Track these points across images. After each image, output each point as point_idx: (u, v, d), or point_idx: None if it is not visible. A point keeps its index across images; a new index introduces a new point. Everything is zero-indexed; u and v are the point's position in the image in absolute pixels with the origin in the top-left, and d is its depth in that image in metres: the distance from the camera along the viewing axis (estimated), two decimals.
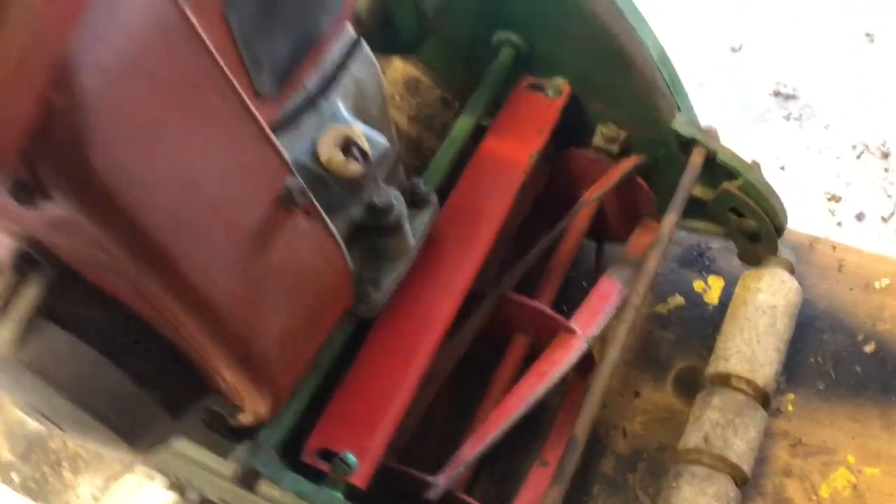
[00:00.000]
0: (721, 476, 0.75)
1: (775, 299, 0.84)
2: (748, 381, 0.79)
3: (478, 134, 0.83)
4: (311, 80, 0.56)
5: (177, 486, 0.91)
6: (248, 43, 0.47)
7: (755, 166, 0.85)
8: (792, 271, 0.87)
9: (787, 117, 2.38)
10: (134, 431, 0.50)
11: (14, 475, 0.94)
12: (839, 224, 2.03)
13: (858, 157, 2.26)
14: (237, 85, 0.44)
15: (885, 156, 2.15)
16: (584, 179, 0.88)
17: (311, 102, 0.55)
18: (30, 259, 0.46)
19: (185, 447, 0.67)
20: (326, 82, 0.55)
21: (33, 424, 0.98)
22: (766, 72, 2.21)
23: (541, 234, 0.86)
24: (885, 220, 2.03)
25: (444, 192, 0.77)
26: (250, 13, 0.46)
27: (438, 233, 0.74)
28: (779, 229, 0.87)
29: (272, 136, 0.47)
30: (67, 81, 0.36)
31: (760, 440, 0.78)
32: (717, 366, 0.82)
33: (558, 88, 0.84)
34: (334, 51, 0.56)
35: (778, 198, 0.85)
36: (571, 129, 0.86)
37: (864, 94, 2.25)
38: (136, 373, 0.49)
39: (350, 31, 0.58)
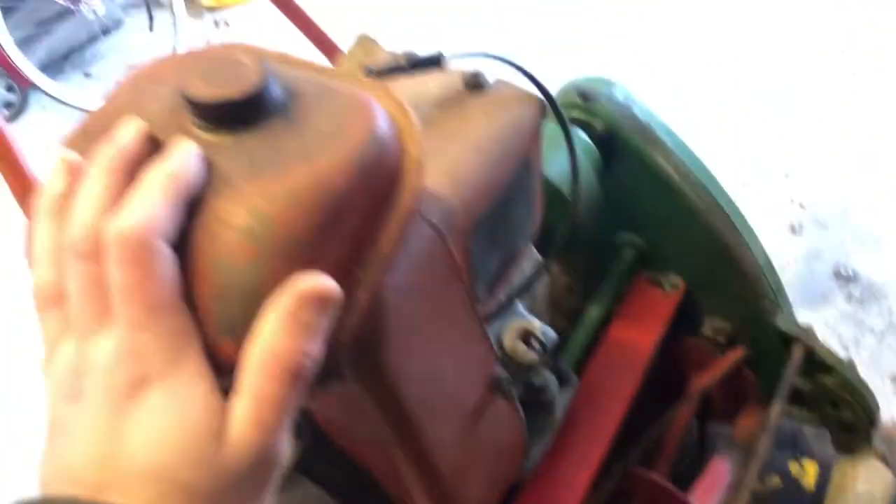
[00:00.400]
0: None
1: (872, 487, 0.91)
2: None
3: (603, 322, 0.94)
4: (502, 290, 0.69)
5: None
6: (475, 263, 0.59)
7: (851, 364, 0.94)
8: (885, 461, 0.95)
9: (849, 298, 2.46)
10: None
11: None
12: None
13: None
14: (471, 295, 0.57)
15: None
16: (692, 364, 0.98)
17: (503, 306, 0.67)
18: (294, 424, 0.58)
19: None
20: (517, 291, 0.68)
21: None
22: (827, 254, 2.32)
23: (647, 412, 0.96)
24: None
25: (577, 372, 0.87)
26: (482, 241, 0.59)
27: (575, 409, 0.84)
28: (873, 423, 0.95)
29: (489, 335, 0.59)
30: (378, 299, 0.49)
31: None
32: None
33: (675, 284, 0.96)
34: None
35: (872, 393, 0.95)
36: (683, 319, 0.97)
37: None
38: None
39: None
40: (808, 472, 1.02)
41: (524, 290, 0.67)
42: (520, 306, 0.72)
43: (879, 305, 2.25)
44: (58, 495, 0.32)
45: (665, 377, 1.00)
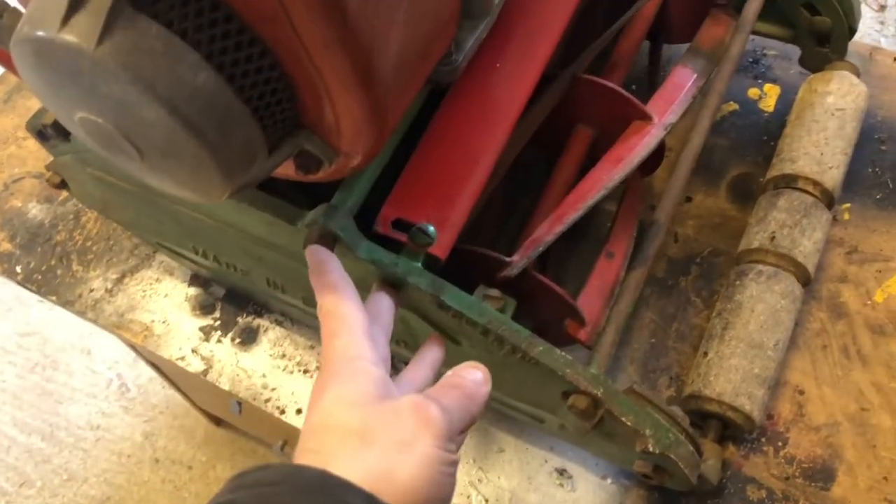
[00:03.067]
0: (787, 275, 0.73)
1: (845, 102, 0.80)
2: (815, 183, 0.76)
3: None
4: None
5: (199, 280, 0.86)
6: None
7: None
8: (858, 76, 0.83)
9: None
10: (232, 155, 0.43)
11: (17, 267, 0.87)
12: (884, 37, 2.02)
13: None
14: None
15: (882, 8, 2.11)
16: None
17: None
18: None
19: (242, 217, 0.61)
20: None
21: (35, 214, 0.90)
22: None
23: (599, 23, 0.80)
24: None
25: None
26: None
27: None
28: (852, 29, 0.82)
29: None
30: None
31: (825, 243, 0.76)
32: (781, 168, 0.79)
33: None
34: None
35: None
36: None
37: None
38: (238, 85, 0.42)
39: None
40: (769, 96, 0.90)
41: None
42: None
43: None
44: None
45: None
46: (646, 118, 0.71)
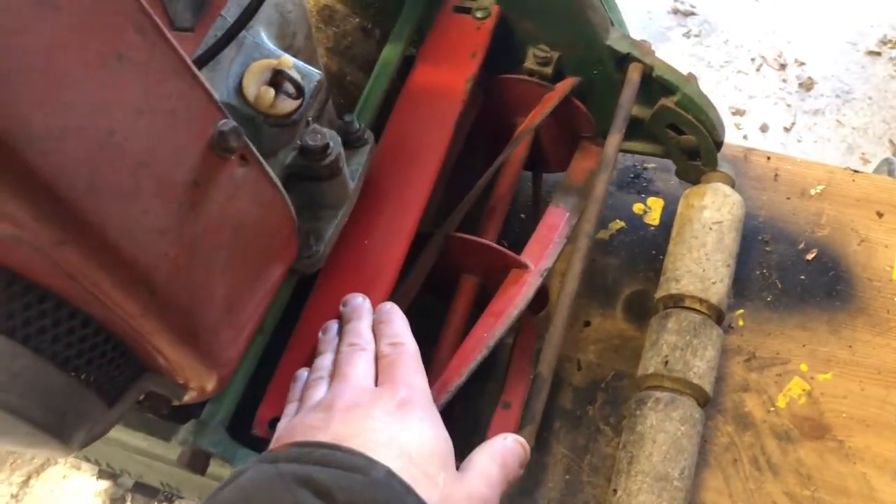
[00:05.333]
0: (684, 399, 0.74)
1: (721, 214, 0.82)
2: (701, 301, 0.78)
3: (405, 66, 0.77)
4: (229, 10, 0.49)
5: (108, 473, 0.84)
6: None
7: (692, 79, 0.82)
8: (732, 185, 0.86)
9: (687, 34, 2.40)
10: (65, 426, 0.43)
11: None
12: (745, 137, 2.07)
13: (758, 69, 2.30)
14: (154, 15, 0.37)
15: (783, 67, 2.20)
16: (518, 106, 0.83)
17: (230, 35, 0.47)
18: None
19: (119, 434, 0.60)
20: (246, 11, 0.48)
21: None
22: None
23: (475, 168, 0.81)
24: (787, 129, 2.08)
25: (376, 130, 0.70)
26: None
27: (375, 173, 0.68)
28: (718, 143, 0.84)
29: (198, 72, 0.40)
30: None
31: (718, 359, 0.77)
32: (668, 287, 0.80)
33: (487, 9, 0.78)
34: None
35: (716, 111, 0.83)
36: (500, 53, 0.81)
37: (760, 7, 2.29)
38: (61, 359, 0.42)
39: None
40: (653, 210, 0.93)
41: (255, 5, 0.47)
42: (264, 40, 0.52)
43: (717, 38, 2.20)
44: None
45: (488, 126, 0.85)
46: (522, 267, 0.72)
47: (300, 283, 0.64)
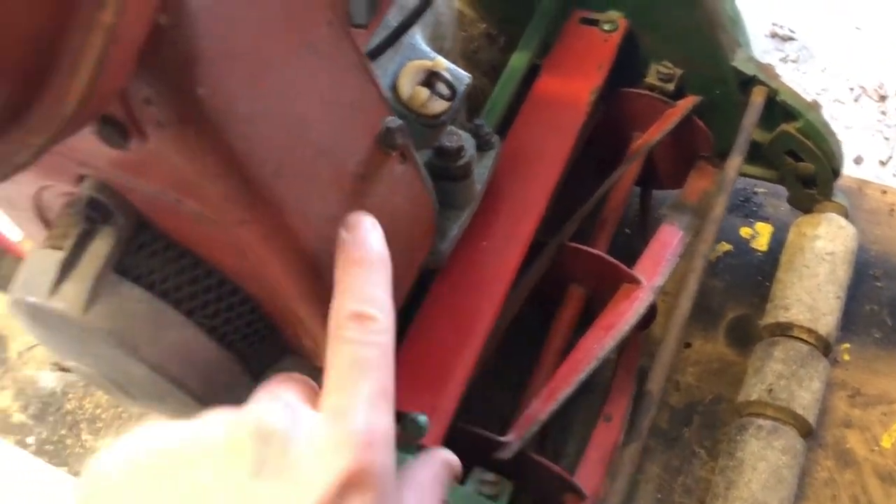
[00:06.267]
0: (787, 428, 0.73)
1: (834, 245, 0.81)
2: (810, 331, 0.77)
3: (530, 74, 0.77)
4: (392, 12, 0.50)
5: None
6: None
7: (816, 106, 0.81)
8: (846, 216, 0.84)
9: (785, 59, 2.36)
10: (214, 397, 0.45)
11: (29, 438, 0.89)
12: None
13: (856, 100, 2.25)
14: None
15: (883, 98, 2.14)
16: (637, 120, 0.83)
17: (396, 35, 0.49)
18: (101, 207, 0.41)
19: None
20: (413, 13, 0.49)
21: (46, 382, 0.92)
22: (762, 13, 2.18)
23: (585, 177, 0.82)
24: (882, 163, 2.02)
25: (499, 134, 0.71)
26: None
27: (497, 177, 0.69)
28: (836, 173, 0.83)
29: (373, 69, 0.42)
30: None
31: (823, 391, 0.76)
32: (776, 315, 0.79)
33: (614, 23, 0.78)
34: None
35: (837, 140, 0.82)
36: (624, 67, 0.81)
37: (861, 36, 2.23)
38: (219, 333, 0.44)
39: None
40: (761, 235, 0.92)
41: (422, 8, 0.49)
42: (420, 42, 0.54)
43: (815, 65, 2.15)
44: None
45: (605, 138, 0.85)
46: (634, 282, 0.72)
47: (419, 278, 0.65)
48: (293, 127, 0.37)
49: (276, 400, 0.33)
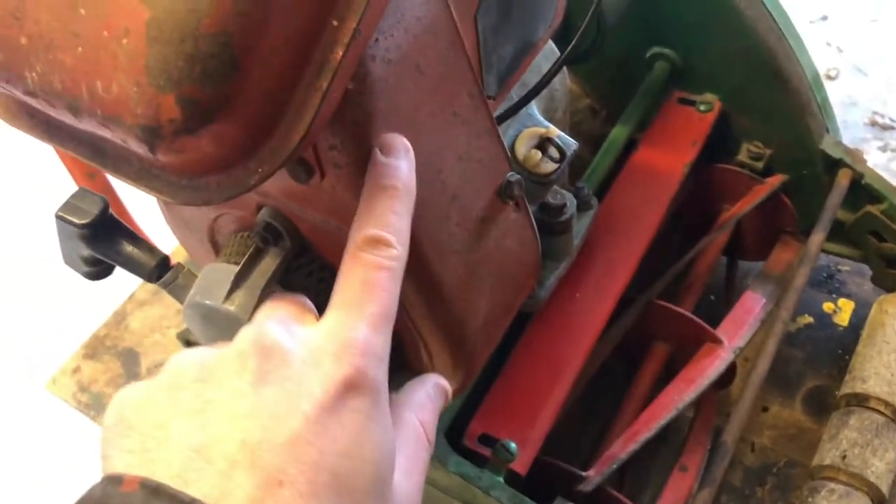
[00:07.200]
0: (859, 494, 0.76)
1: None
2: (887, 404, 0.80)
3: (629, 146, 0.85)
4: (515, 88, 0.59)
5: None
6: (486, 46, 0.50)
7: None
8: None
9: (884, 148, 2.36)
10: None
11: None
12: None
13: None
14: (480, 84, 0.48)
15: None
16: (726, 194, 0.89)
17: (518, 106, 0.58)
18: (273, 230, 0.50)
19: None
20: (533, 90, 0.58)
21: None
22: (864, 101, 2.19)
23: (671, 243, 0.88)
24: None
25: (598, 198, 0.79)
26: (492, 18, 0.49)
27: (593, 236, 0.76)
28: None
29: (500, 133, 0.50)
30: (363, 70, 0.40)
31: None
32: (853, 386, 0.82)
33: (710, 104, 0.86)
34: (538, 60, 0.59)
35: None
36: (716, 145, 0.88)
37: None
38: None
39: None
40: (843, 311, 0.95)
41: (542, 86, 0.57)
42: (536, 112, 0.62)
43: None
44: None
45: (695, 209, 0.92)
46: (717, 341, 0.78)
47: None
48: (433, 176, 0.46)
49: (272, 318, 0.38)
